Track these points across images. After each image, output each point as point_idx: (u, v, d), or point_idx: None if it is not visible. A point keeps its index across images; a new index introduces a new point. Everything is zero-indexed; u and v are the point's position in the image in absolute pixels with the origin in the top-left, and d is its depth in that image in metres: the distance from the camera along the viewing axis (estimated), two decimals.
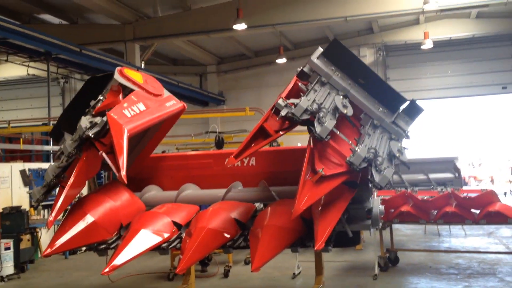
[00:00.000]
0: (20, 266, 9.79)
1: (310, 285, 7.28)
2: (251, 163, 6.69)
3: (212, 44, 26.45)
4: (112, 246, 5.51)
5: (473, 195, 8.38)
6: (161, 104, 5.93)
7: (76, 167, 5.08)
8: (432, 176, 11.05)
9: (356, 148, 4.80)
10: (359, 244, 8.75)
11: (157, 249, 5.41)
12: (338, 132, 4.98)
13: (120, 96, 5.40)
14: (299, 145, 13.68)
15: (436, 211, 8.30)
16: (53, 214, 4.97)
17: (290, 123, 4.98)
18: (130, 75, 5.73)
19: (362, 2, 19.99)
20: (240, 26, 19.81)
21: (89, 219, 5.34)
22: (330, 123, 4.75)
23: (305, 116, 4.77)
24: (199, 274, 8.67)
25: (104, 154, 4.96)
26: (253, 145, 5.17)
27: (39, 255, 11.43)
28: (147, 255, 5.12)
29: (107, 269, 4.80)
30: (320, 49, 5.55)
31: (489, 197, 8.03)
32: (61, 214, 10.11)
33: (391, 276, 8.19)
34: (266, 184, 6.20)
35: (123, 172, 4.66)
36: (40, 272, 10.08)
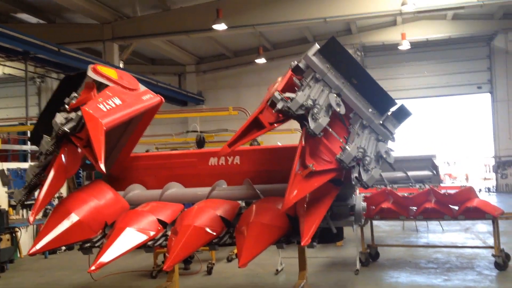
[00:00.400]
0: (0, 266, 9.67)
1: (293, 281, 7.37)
2: (235, 162, 6.74)
3: (191, 44, 26.44)
4: (97, 245, 5.50)
5: (452, 191, 8.57)
6: (137, 98, 5.94)
7: (54, 163, 5.08)
8: (411, 173, 11.22)
9: (347, 147, 4.90)
10: (342, 239, 8.86)
11: (143, 247, 5.44)
12: (330, 130, 5.07)
13: (95, 92, 5.41)
14: (279, 144, 13.78)
15: (415, 208, 8.47)
16: (34, 211, 4.94)
17: (284, 116, 5.02)
18: (104, 71, 5.74)
19: (340, 4, 20.21)
20: (220, 26, 19.88)
21: (73, 218, 5.31)
22: (324, 120, 4.82)
23: (300, 111, 4.82)
24: (182, 271, 8.71)
25: (81, 149, 5.01)
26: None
27: (19, 255, 11.32)
28: (129, 254, 5.11)
29: (93, 267, 4.80)
30: (317, 46, 5.61)
31: (467, 193, 8.22)
32: (41, 213, 10.06)
33: (372, 271, 8.33)
34: (250, 182, 6.26)
35: (102, 163, 4.67)
36: (20, 272, 9.99)
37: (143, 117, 6.37)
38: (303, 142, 4.93)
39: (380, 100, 5.59)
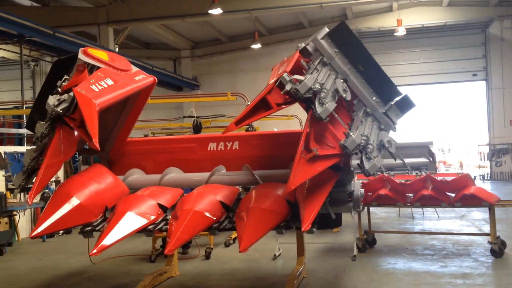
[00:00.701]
0: None
1: (291, 266, 7.43)
2: (234, 147, 6.76)
3: (186, 29, 26.29)
4: (97, 228, 5.52)
5: (448, 179, 8.61)
6: (130, 78, 5.96)
7: (50, 146, 5.08)
8: (407, 160, 11.25)
9: (351, 133, 4.91)
10: (340, 225, 8.91)
11: (143, 231, 5.47)
12: (336, 115, 5.06)
13: (86, 74, 5.41)
14: (275, 129, 13.78)
15: (412, 195, 8.52)
16: (32, 192, 4.94)
17: (291, 98, 5.03)
18: (95, 53, 5.74)
19: None
20: (216, 11, 19.78)
21: (74, 201, 5.34)
22: (331, 105, 4.82)
23: (308, 95, 4.83)
24: (180, 256, 8.74)
25: (76, 129, 5.06)
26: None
27: (17, 239, 11.33)
28: (127, 238, 5.13)
29: (95, 250, 4.83)
30: (326, 29, 5.58)
31: (464, 180, 8.26)
32: (39, 197, 10.06)
33: (369, 257, 8.39)
34: (249, 168, 6.29)
35: (96, 140, 4.67)
36: (18, 255, 10.00)
37: (137, 98, 6.38)
38: (308, 126, 4.93)
39: (385, 89, 5.61)
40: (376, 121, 5.52)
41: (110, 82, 5.46)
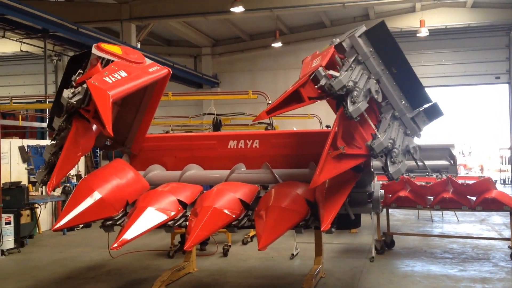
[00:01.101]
0: (20, 240, 9.84)
1: (308, 266, 7.43)
2: (255, 146, 6.77)
3: (207, 26, 26.34)
4: (118, 223, 5.58)
5: (470, 182, 8.54)
6: (143, 70, 6.01)
7: (67, 138, 5.16)
8: (428, 163, 11.15)
9: (379, 135, 4.88)
10: (359, 226, 8.88)
11: (162, 226, 5.52)
12: (366, 115, 5.03)
13: (99, 68, 5.50)
14: (294, 128, 13.77)
15: (432, 197, 8.46)
16: (51, 183, 5.00)
17: (324, 93, 4.97)
18: (109, 48, 5.83)
19: None
20: (238, 9, 19.77)
21: (96, 195, 5.41)
22: (363, 104, 4.78)
23: (341, 92, 4.78)
24: (198, 252, 8.78)
25: (91, 120, 5.18)
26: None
27: (38, 231, 11.50)
28: (146, 233, 5.20)
29: (115, 244, 4.89)
30: (364, 27, 5.51)
31: (486, 184, 8.19)
32: (60, 190, 10.17)
33: (387, 259, 8.35)
34: (269, 166, 6.30)
35: (109, 127, 4.71)
36: (39, 247, 10.16)
37: (153, 91, 6.42)
38: (337, 123, 4.89)
39: (415, 94, 5.52)
40: (403, 126, 5.45)
41: (123, 74, 5.53)
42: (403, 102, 5.47)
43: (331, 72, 4.92)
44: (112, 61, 5.68)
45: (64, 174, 5.22)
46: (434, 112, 5.60)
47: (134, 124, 6.62)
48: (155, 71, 6.18)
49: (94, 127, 5.53)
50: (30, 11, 14.39)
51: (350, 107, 4.73)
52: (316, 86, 4.91)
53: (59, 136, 5.38)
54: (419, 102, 5.55)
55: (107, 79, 5.21)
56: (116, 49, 5.97)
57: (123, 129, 6.57)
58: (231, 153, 6.79)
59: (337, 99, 5.10)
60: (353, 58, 5.36)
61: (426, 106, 5.57)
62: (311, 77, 4.97)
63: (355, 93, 4.80)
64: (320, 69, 4.91)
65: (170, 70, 6.45)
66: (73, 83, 5.35)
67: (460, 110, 32.60)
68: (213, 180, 6.46)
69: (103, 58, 5.65)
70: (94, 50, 5.68)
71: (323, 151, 4.75)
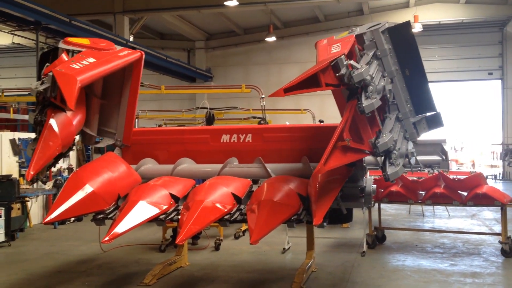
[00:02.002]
0: (11, 234, 9.79)
1: (300, 260, 7.44)
2: (247, 140, 6.76)
3: (201, 20, 26.26)
4: (110, 216, 5.57)
5: (461, 177, 8.58)
6: (113, 55, 6.04)
7: (43, 127, 5.17)
8: (420, 158, 11.16)
9: (384, 135, 4.87)
10: (351, 221, 8.90)
11: (154, 220, 5.51)
12: (376, 113, 4.99)
13: (66, 58, 5.57)
14: (287, 123, 13.75)
15: (424, 192, 8.50)
16: (29, 170, 4.95)
17: (340, 82, 4.88)
18: (76, 40, 5.91)
19: None
20: (232, 3, 19.74)
21: (88, 189, 5.39)
22: (377, 101, 4.76)
23: (358, 84, 4.73)
24: (190, 247, 8.78)
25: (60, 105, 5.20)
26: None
27: (28, 224, 11.46)
28: (138, 227, 5.19)
29: (107, 238, 4.88)
30: (387, 23, 5.43)
31: (477, 179, 8.24)
32: (52, 184, 10.11)
33: (378, 253, 8.38)
34: (262, 161, 6.30)
35: (70, 103, 4.80)
36: (30, 241, 10.12)
37: (131, 77, 6.38)
38: (348, 115, 4.86)
39: (422, 99, 5.48)
40: (403, 129, 5.42)
41: (92, 60, 5.59)
42: (408, 105, 5.43)
43: (352, 62, 4.86)
44: (80, 51, 5.70)
45: (42, 164, 5.09)
46: (435, 122, 5.58)
47: (120, 116, 6.59)
48: (126, 55, 6.17)
49: (76, 120, 5.53)
50: (22, 3, 14.29)
51: (364, 102, 4.69)
52: (337, 74, 4.81)
53: (38, 133, 5.35)
54: (423, 108, 5.52)
55: (74, 66, 5.29)
56: (84, 40, 6.07)
57: (110, 123, 6.56)
58: (224, 147, 6.78)
59: (351, 90, 5.06)
60: (372, 52, 5.29)
61: (429, 114, 5.54)
62: (332, 64, 4.85)
63: (370, 88, 4.76)
64: (343, 57, 4.84)
65: (143, 53, 6.42)
66: (42, 76, 5.38)
67: (453, 105, 32.68)
68: (206, 174, 6.46)
69: (71, 50, 5.67)
70: (61, 44, 5.77)
71: (331, 140, 4.72)
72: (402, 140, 5.30)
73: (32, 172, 4.94)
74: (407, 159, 5.23)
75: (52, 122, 5.17)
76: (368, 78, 4.76)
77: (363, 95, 4.74)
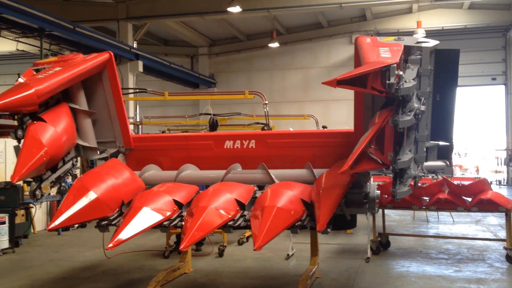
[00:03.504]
0: (15, 240, 9.80)
1: (304, 266, 7.43)
2: (251, 146, 6.76)
3: (204, 26, 26.35)
4: (114, 223, 5.57)
5: (466, 183, 8.56)
6: (80, 61, 6.03)
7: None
8: (424, 164, 11.16)
9: (405, 153, 4.85)
10: (355, 227, 8.88)
11: (158, 226, 5.50)
12: (405, 130, 4.90)
13: (32, 73, 5.66)
14: (290, 129, 13.75)
15: (428, 198, 8.47)
16: (13, 177, 4.95)
17: (383, 89, 4.71)
18: (44, 60, 6.08)
19: None
20: (235, 9, 19.78)
21: (92, 195, 5.40)
22: (412, 119, 4.69)
23: (400, 98, 4.63)
24: (194, 253, 8.78)
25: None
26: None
27: (32, 231, 11.47)
28: (141, 234, 5.19)
29: (111, 244, 4.87)
30: (437, 42, 5.25)
31: (481, 185, 8.21)
32: (56, 190, 10.14)
33: (383, 259, 8.36)
34: (265, 167, 6.29)
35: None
36: (34, 247, 10.13)
37: (108, 80, 6.36)
38: (380, 124, 4.80)
39: (441, 128, 5.39)
40: (415, 151, 5.37)
41: (57, 69, 5.64)
42: (427, 130, 5.30)
43: (402, 74, 4.73)
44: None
45: (26, 171, 5.04)
46: (444, 152, 5.53)
47: (113, 122, 6.60)
48: (93, 58, 6.17)
49: (60, 128, 5.56)
50: (26, 10, 14.38)
51: (401, 117, 4.63)
52: (387, 82, 4.64)
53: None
54: (440, 136, 5.43)
55: (39, 76, 5.38)
56: (52, 58, 6.22)
57: (108, 133, 6.57)
58: (227, 153, 6.78)
59: (389, 100, 4.98)
60: (416, 69, 5.13)
61: (442, 143, 5.48)
62: (383, 69, 4.69)
63: (409, 104, 4.70)
64: (395, 66, 4.69)
65: (111, 53, 6.38)
66: None
67: (456, 111, 32.55)
68: (209, 180, 6.45)
69: (41, 69, 5.77)
70: (31, 68, 5.84)
71: (361, 144, 4.69)
72: (413, 162, 5.25)
73: (16, 178, 4.93)
74: (415, 182, 5.24)
75: (32, 129, 5.20)
76: (411, 94, 4.70)
77: (400, 110, 4.66)
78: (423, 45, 5.24)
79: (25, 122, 5.27)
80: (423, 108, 4.97)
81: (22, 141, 5.24)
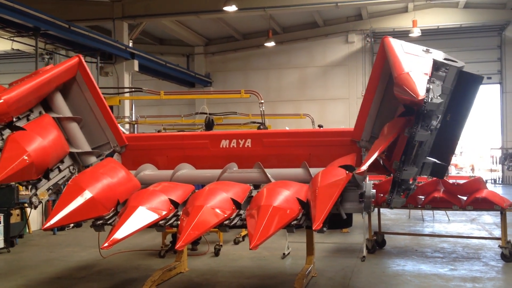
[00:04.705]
0: (10, 240, 9.78)
1: (300, 265, 7.44)
2: (247, 145, 6.76)
3: (200, 25, 26.34)
4: (109, 222, 5.56)
5: (461, 181, 8.58)
6: (49, 68, 6.09)
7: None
8: None
9: (410, 165, 4.89)
10: (351, 226, 8.89)
11: (154, 226, 5.49)
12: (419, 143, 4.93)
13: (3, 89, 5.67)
14: (286, 128, 13.75)
15: (423, 197, 8.49)
16: None
17: (413, 103, 4.66)
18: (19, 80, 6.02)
19: None
20: (231, 8, 19.79)
21: (87, 195, 5.38)
22: (429, 135, 4.71)
23: (425, 111, 4.59)
24: (190, 252, 8.77)
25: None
26: None
27: (28, 231, 11.44)
28: (137, 233, 5.18)
29: (106, 244, 4.86)
30: (463, 64, 5.28)
31: (476, 184, 8.23)
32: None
33: (378, 258, 8.37)
34: (261, 166, 6.29)
35: None
36: (29, 247, 10.11)
37: (84, 83, 6.38)
38: (398, 132, 4.83)
39: (441, 147, 5.38)
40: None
41: (26, 80, 5.72)
42: (429, 146, 5.29)
43: (432, 88, 4.74)
44: None
45: (7, 174, 5.07)
46: (437, 171, 5.54)
47: (101, 124, 6.59)
48: (61, 64, 6.22)
49: (43, 134, 5.59)
50: (21, 9, 14.35)
51: (420, 131, 4.64)
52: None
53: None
54: (438, 155, 5.43)
55: (10, 89, 5.47)
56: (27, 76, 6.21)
57: (100, 136, 6.58)
58: (223, 152, 6.78)
59: (408, 110, 4.94)
60: (441, 86, 5.13)
61: (437, 162, 5.46)
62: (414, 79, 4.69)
63: (428, 120, 4.69)
64: (427, 78, 4.70)
65: (81, 56, 6.44)
66: None
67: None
68: (205, 179, 6.45)
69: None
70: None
71: (380, 148, 4.70)
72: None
73: None
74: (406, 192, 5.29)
75: (12, 136, 5.24)
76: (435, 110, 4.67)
77: (420, 125, 4.64)
78: (452, 63, 5.25)
79: (4, 134, 5.32)
80: (436, 124, 4.96)
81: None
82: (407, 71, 4.72)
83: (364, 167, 4.67)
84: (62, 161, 6.06)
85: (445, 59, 5.32)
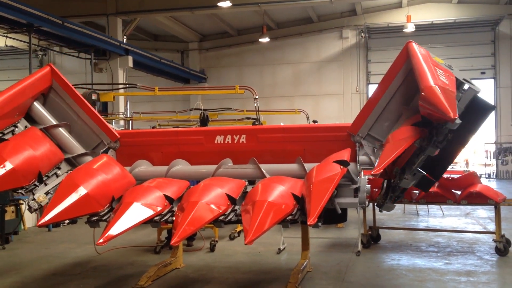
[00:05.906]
0: (5, 237, 9.76)
1: (295, 260, 7.45)
2: (241, 141, 6.76)
3: (194, 21, 26.29)
4: (104, 218, 5.55)
5: (455, 176, 8.61)
6: (24, 79, 6.17)
7: None
8: None
9: (410, 175, 4.94)
10: (346, 221, 8.92)
11: (149, 222, 5.50)
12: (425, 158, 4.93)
13: None
14: (281, 124, 13.75)
15: (418, 191, 8.52)
16: None
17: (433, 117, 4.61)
18: None
19: None
20: (225, 4, 19.77)
21: (81, 191, 5.38)
22: (437, 150, 4.71)
23: (443, 126, 4.55)
24: (185, 248, 8.76)
25: None
26: None
27: (23, 227, 11.41)
28: (132, 229, 5.18)
29: (101, 240, 4.86)
30: (480, 89, 5.26)
31: (470, 178, 8.27)
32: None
33: (373, 253, 8.41)
34: (256, 162, 6.30)
35: None
36: (24, 244, 10.08)
37: (62, 88, 6.43)
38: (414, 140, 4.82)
39: (434, 163, 5.35)
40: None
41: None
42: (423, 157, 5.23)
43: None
44: None
45: None
46: (424, 185, 5.62)
47: (90, 125, 6.60)
48: (33, 74, 6.29)
49: (29, 143, 5.69)
50: (14, 5, 14.28)
51: (431, 145, 4.67)
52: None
53: None
54: (430, 169, 5.45)
55: None
56: None
57: (92, 138, 6.60)
58: (218, 148, 6.78)
59: (426, 122, 4.88)
60: (458, 103, 5.06)
61: (424, 175, 5.47)
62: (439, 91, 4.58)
63: (441, 137, 4.67)
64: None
65: (51, 64, 6.54)
66: None
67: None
68: (200, 175, 6.46)
69: None
70: None
71: (398, 151, 4.69)
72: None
73: None
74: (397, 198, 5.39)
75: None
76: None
77: (434, 138, 4.65)
78: (472, 86, 5.24)
79: None
80: (446, 144, 4.92)
81: None
82: (438, 85, 4.61)
83: (380, 168, 4.66)
84: (58, 167, 6.14)
85: (464, 79, 5.28)
